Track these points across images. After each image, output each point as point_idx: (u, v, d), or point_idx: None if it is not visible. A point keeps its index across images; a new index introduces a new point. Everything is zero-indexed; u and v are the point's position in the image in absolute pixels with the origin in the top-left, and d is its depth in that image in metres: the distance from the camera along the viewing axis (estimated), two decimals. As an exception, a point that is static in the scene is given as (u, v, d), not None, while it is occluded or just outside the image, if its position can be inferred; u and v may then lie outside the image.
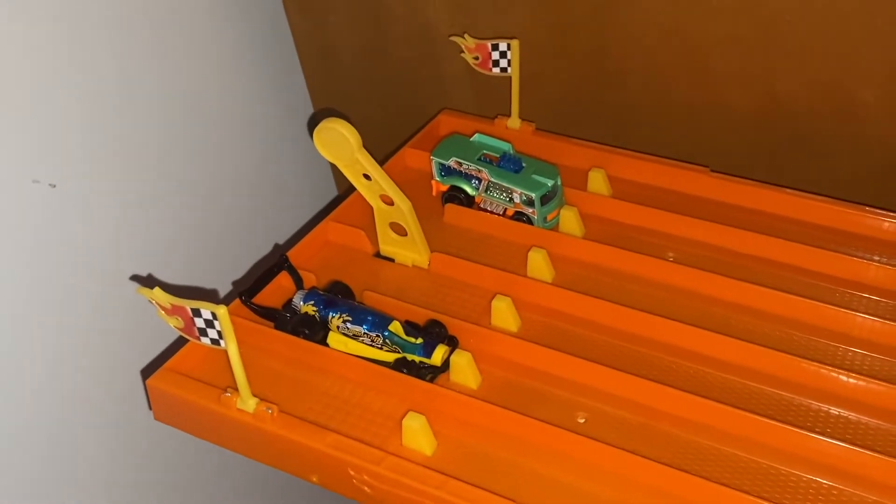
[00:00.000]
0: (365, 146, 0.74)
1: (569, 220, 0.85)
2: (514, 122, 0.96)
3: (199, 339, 0.65)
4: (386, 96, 1.10)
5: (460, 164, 0.87)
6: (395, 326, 0.73)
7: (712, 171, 0.89)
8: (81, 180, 0.88)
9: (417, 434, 0.66)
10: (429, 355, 0.72)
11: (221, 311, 0.62)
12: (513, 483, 0.64)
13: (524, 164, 0.86)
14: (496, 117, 0.97)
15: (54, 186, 0.86)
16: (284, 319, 0.76)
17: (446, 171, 0.88)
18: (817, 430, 0.67)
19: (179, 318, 0.65)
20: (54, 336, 0.89)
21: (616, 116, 0.98)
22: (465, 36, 0.91)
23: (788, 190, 0.86)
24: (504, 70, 0.91)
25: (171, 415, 0.74)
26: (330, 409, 0.70)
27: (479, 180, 0.86)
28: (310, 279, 0.81)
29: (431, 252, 0.83)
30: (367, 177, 0.77)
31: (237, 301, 0.78)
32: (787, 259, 0.81)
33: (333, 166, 0.77)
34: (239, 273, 1.09)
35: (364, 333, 0.73)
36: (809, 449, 0.65)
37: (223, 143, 1.06)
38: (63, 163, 0.86)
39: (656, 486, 0.63)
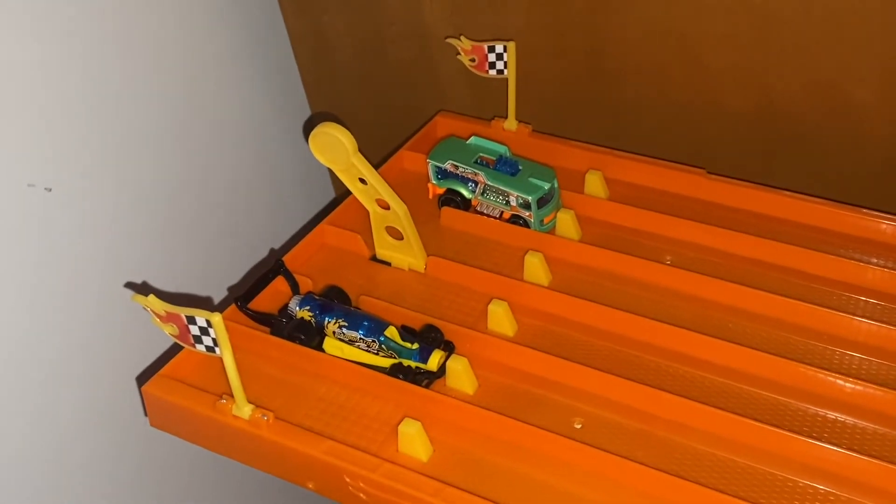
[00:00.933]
0: (362, 147, 0.74)
1: (565, 223, 0.85)
2: (510, 123, 0.95)
3: (195, 347, 0.65)
4: (383, 97, 1.09)
5: (457, 166, 0.86)
6: (391, 331, 0.73)
7: (709, 173, 0.89)
8: (76, 184, 0.88)
9: (413, 440, 0.66)
10: (425, 360, 0.72)
11: (216, 318, 0.62)
12: (509, 490, 0.64)
13: (521, 167, 0.85)
14: (493, 119, 0.97)
15: (50, 190, 0.86)
16: (280, 325, 0.76)
17: (443, 174, 0.88)
18: (815, 434, 0.67)
19: (174, 326, 0.64)
20: (49, 343, 0.89)
21: (612, 116, 0.98)
22: (462, 38, 0.90)
23: (785, 192, 0.86)
24: (500, 72, 0.91)
25: (166, 421, 0.74)
26: (326, 414, 0.70)
27: (476, 183, 0.86)
28: (306, 283, 0.80)
29: (428, 256, 0.82)
30: (363, 181, 0.77)
31: (233, 306, 0.78)
32: (784, 262, 0.81)
33: (331, 169, 0.77)
34: (235, 278, 1.08)
35: (360, 339, 0.73)
36: (807, 454, 0.65)
37: (220, 147, 1.05)
38: (58, 167, 0.86)
39: (653, 493, 0.63)
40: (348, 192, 0.80)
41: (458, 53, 0.91)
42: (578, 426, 0.69)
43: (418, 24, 0.99)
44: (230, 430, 0.68)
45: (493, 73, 0.91)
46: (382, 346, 0.72)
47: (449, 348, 0.74)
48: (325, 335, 0.75)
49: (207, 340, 0.64)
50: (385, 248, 0.83)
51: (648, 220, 0.85)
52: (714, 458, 0.66)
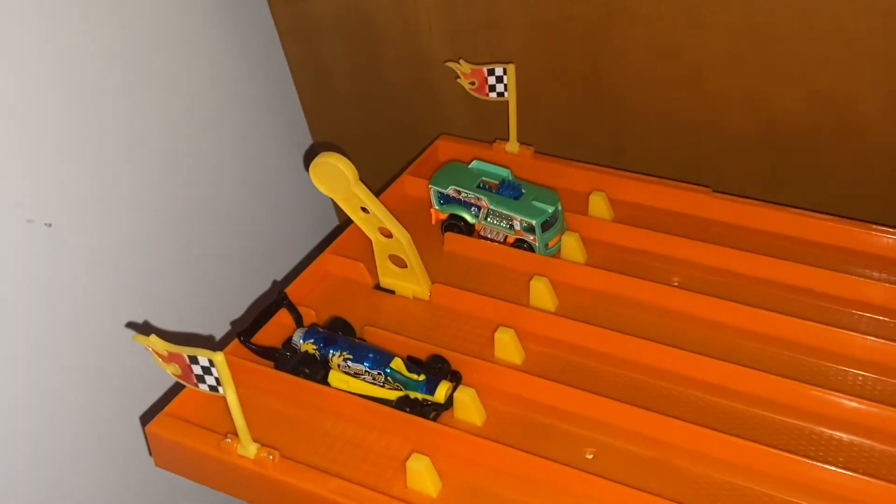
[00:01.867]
0: (364, 173, 0.73)
1: (570, 246, 0.84)
2: (512, 146, 0.94)
3: (198, 386, 0.64)
4: (383, 121, 1.09)
5: (459, 191, 0.86)
6: (397, 363, 0.72)
7: (714, 191, 0.88)
8: (75, 221, 0.87)
9: (422, 476, 0.65)
10: (432, 392, 0.70)
11: (219, 357, 0.61)
12: (521, 524, 0.63)
13: (524, 191, 0.85)
14: (494, 141, 0.96)
15: (49, 226, 0.85)
16: (284, 359, 0.75)
17: (445, 200, 0.87)
18: (830, 459, 0.65)
19: (177, 366, 0.63)
20: (51, 384, 0.88)
21: (615, 137, 0.97)
22: (461, 61, 0.90)
23: (791, 209, 0.85)
24: (501, 94, 0.90)
25: (171, 461, 0.73)
26: (332, 451, 0.69)
27: (479, 208, 0.85)
28: (309, 315, 0.79)
29: (432, 283, 0.81)
30: (364, 210, 0.76)
31: (236, 341, 0.77)
32: (794, 280, 0.79)
33: (332, 198, 0.76)
34: (238, 311, 1.07)
35: (365, 371, 0.72)
36: (824, 481, 0.64)
37: (222, 179, 1.05)
38: (57, 204, 0.85)
39: (668, 524, 0.62)
40: (351, 220, 0.80)
41: (458, 77, 0.91)
42: (590, 456, 0.67)
43: (417, 49, 0.99)
44: (236, 470, 0.67)
45: (493, 95, 0.91)
46: (388, 378, 0.71)
47: (456, 379, 0.72)
48: (330, 368, 0.73)
49: (210, 380, 0.63)
50: (389, 276, 0.82)
51: (655, 240, 0.84)
52: (730, 486, 0.65)
